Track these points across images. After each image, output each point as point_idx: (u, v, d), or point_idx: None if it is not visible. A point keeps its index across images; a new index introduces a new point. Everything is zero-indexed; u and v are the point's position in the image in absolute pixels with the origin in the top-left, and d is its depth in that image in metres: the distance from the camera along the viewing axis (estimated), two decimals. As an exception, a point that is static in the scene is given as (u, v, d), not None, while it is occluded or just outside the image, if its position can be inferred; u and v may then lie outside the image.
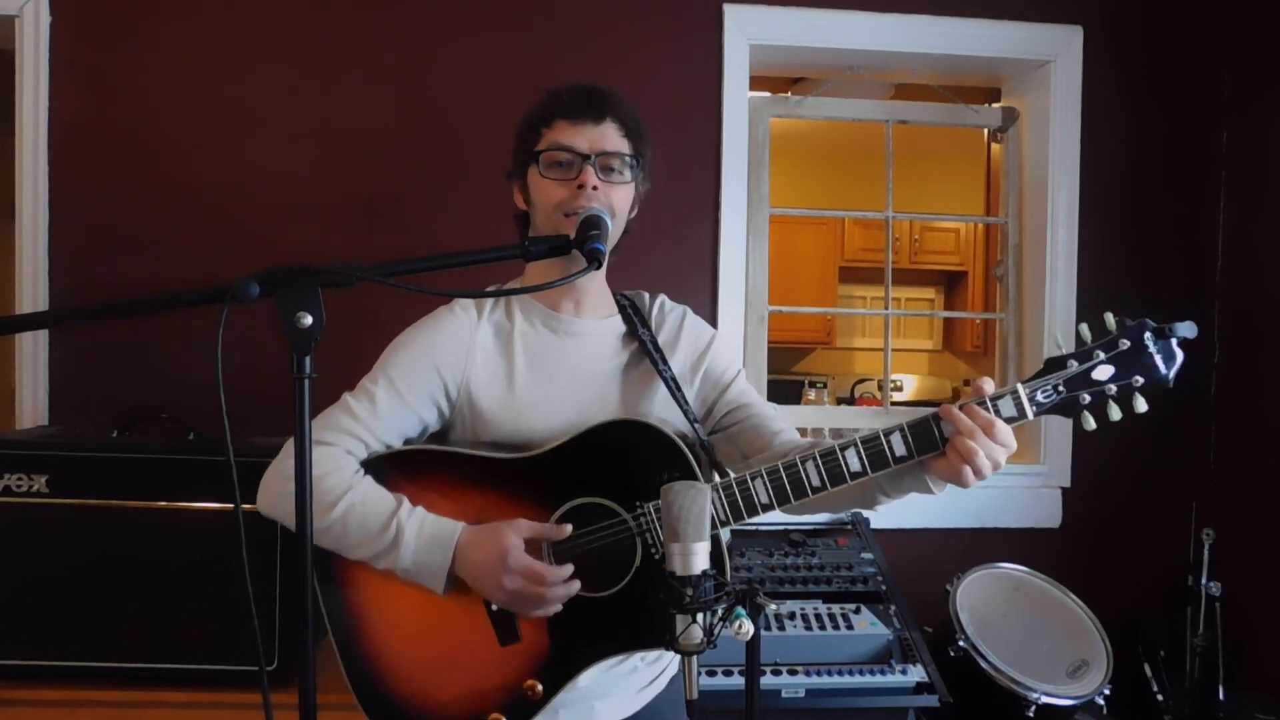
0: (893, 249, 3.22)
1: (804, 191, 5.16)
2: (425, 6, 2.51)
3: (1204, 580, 2.59)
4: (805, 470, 1.25)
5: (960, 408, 1.20)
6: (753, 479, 1.27)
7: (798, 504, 1.27)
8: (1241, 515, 2.69)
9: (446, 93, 2.52)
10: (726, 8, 2.61)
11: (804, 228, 5.55)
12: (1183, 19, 2.78)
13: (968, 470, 1.18)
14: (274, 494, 1.34)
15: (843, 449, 1.24)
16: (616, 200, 1.37)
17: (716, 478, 1.31)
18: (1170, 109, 2.78)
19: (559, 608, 1.29)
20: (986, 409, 1.19)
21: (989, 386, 1.21)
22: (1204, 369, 2.77)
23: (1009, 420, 1.20)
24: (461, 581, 1.31)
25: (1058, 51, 2.73)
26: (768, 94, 2.87)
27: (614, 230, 1.37)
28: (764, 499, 1.27)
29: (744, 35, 2.62)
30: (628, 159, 1.39)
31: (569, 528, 1.31)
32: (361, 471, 1.36)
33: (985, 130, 3.10)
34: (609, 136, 1.38)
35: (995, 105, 3.00)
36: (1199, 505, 2.78)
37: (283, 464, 1.35)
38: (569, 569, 1.29)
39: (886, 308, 2.97)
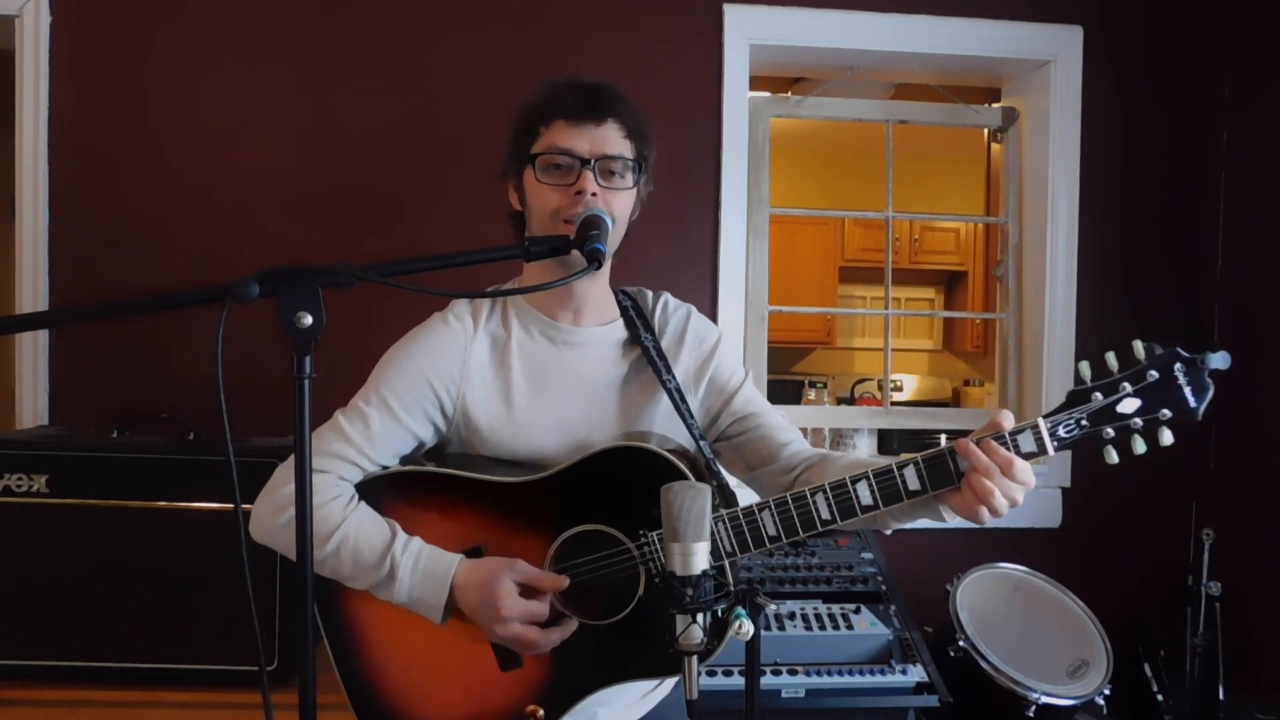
0: (893, 249, 3.22)
1: (804, 191, 5.16)
2: (425, 6, 2.51)
3: (1204, 580, 2.59)
4: (815, 503, 1.21)
5: (977, 443, 1.14)
6: (760, 510, 1.24)
7: (807, 535, 1.23)
8: (1241, 515, 2.69)
9: (446, 92, 2.52)
10: (726, 8, 2.60)
11: (804, 228, 5.54)
12: (1183, 19, 2.78)
13: (983, 510, 1.14)
14: (265, 525, 1.31)
15: (854, 481, 1.20)
16: (616, 206, 1.31)
17: (715, 493, 1.29)
18: (1170, 109, 2.78)
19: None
20: (1005, 445, 1.14)
21: (1008, 421, 1.15)
22: (1204, 369, 2.77)
23: (1028, 456, 1.14)
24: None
25: (1058, 51, 2.72)
26: (768, 94, 2.87)
27: (614, 235, 1.31)
28: (772, 531, 1.23)
29: (744, 35, 2.61)
30: (630, 162, 1.33)
31: (565, 580, 1.29)
32: (356, 499, 1.33)
33: (985, 130, 3.10)
34: (611, 139, 1.31)
35: (995, 105, 3.00)
36: (1199, 505, 2.78)
37: (270, 494, 1.32)
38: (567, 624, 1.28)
39: (886, 308, 2.97)
